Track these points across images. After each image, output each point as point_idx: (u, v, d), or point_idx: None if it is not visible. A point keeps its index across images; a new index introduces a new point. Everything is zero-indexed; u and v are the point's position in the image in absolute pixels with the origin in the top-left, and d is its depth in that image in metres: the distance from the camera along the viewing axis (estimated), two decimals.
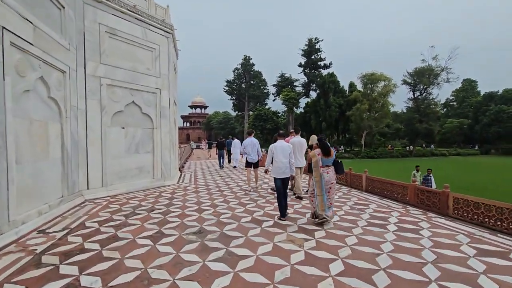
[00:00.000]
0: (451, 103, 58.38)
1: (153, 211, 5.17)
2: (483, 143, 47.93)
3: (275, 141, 5.13)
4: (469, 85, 55.91)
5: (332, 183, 4.41)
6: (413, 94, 39.48)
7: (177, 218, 4.71)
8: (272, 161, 4.87)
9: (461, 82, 53.50)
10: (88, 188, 6.17)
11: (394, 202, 5.91)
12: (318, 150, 4.47)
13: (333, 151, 4.52)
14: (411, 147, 41.57)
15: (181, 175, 10.47)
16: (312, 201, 4.53)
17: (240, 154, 8.81)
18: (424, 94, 38.77)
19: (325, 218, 4.26)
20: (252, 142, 7.68)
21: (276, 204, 4.90)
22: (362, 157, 34.92)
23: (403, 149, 41.09)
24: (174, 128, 9.95)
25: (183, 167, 13.40)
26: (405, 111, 45.32)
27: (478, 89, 56.33)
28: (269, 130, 40.21)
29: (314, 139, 5.74)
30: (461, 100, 55.64)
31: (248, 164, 7.58)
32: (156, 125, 7.83)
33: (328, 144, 4.60)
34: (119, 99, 6.85)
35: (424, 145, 46.76)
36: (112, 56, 6.72)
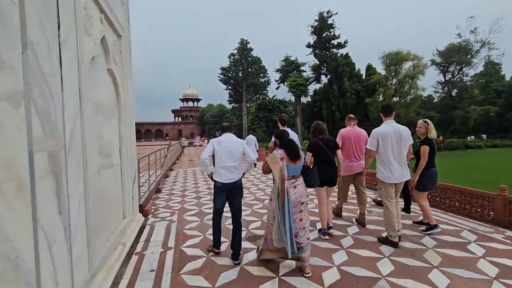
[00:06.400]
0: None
1: None
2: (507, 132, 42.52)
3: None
4: (492, 69, 50.00)
5: (303, 203, 2.70)
6: (444, 77, 33.32)
7: None
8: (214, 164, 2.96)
9: (483, 66, 47.84)
10: None
11: None
12: (280, 153, 2.71)
13: (301, 152, 2.78)
14: (473, 138, 35.72)
15: (137, 240, 3.88)
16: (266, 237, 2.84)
17: None
18: (457, 76, 32.65)
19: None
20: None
21: None
22: None
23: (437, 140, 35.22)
24: (105, 98, 3.36)
25: (158, 191, 6.80)
26: (433, 96, 39.12)
27: (503, 73, 50.64)
28: (274, 122, 33.59)
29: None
30: (484, 86, 49.78)
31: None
32: None
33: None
34: None
35: (480, 135, 41.20)
36: None
